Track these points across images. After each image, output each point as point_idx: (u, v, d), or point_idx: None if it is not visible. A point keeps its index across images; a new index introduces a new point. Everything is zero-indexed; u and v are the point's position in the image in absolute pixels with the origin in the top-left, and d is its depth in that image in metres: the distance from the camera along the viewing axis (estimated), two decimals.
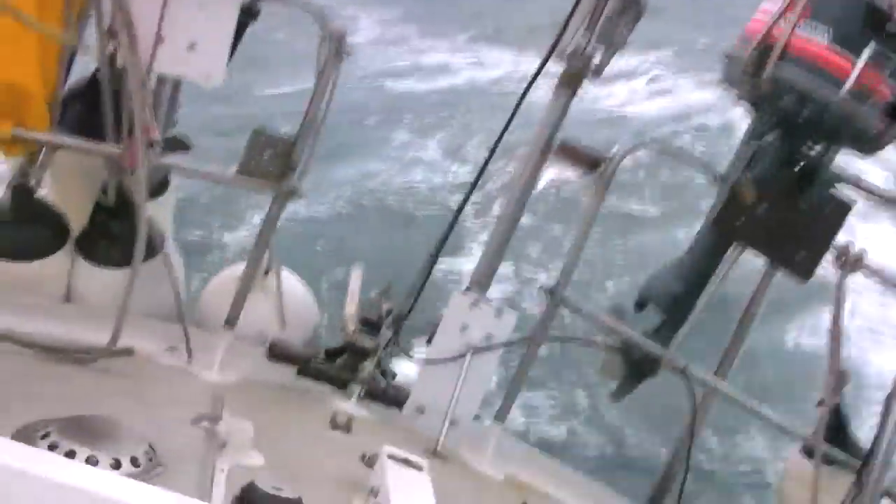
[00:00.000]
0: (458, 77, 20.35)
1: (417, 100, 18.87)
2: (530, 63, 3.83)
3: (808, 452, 3.92)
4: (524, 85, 3.85)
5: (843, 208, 3.68)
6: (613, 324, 3.97)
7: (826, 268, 3.68)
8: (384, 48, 20.36)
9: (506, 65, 19.75)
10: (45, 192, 4.00)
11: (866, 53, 3.26)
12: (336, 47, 3.61)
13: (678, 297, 3.88)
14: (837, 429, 3.85)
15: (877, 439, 3.62)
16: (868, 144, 3.48)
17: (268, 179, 3.78)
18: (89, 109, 3.67)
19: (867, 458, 3.60)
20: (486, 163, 3.95)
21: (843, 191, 3.76)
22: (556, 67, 3.76)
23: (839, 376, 3.79)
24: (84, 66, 3.73)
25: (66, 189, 4.03)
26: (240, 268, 4.12)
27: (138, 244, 3.42)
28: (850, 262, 3.71)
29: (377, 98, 17.67)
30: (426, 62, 21.10)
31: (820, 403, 3.82)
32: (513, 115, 3.82)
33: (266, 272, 4.08)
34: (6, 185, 3.83)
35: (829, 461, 3.79)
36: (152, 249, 3.79)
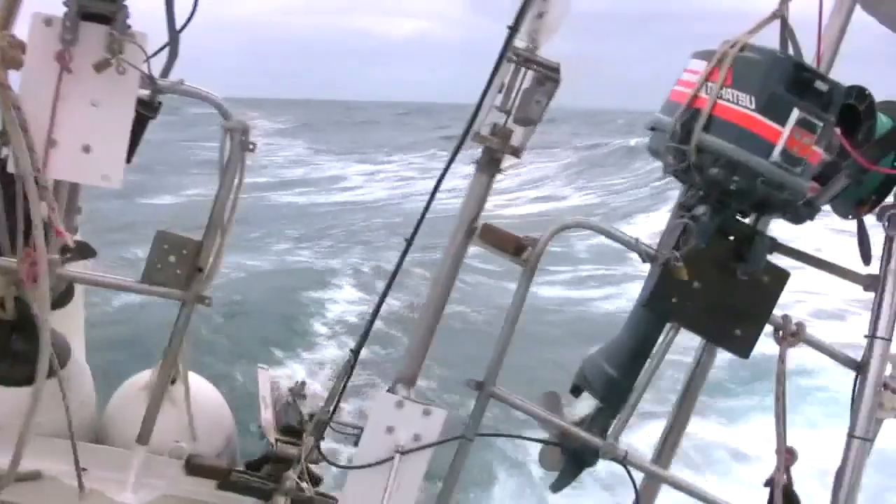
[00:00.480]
0: None
1: None
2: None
3: None
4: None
5: (782, 277, 3.60)
6: (548, 416, 3.81)
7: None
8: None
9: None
10: None
11: (794, 117, 3.17)
12: (240, 141, 3.46)
13: (614, 381, 3.74)
14: None
15: None
16: (801, 211, 3.38)
17: (174, 286, 3.60)
18: None
19: None
20: (404, 253, 3.79)
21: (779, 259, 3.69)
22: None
23: (786, 454, 3.70)
24: None
25: None
26: (144, 376, 3.95)
27: (41, 363, 3.25)
28: (789, 336, 3.62)
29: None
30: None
31: (768, 483, 3.72)
32: (429, 202, 3.68)
33: (173, 381, 3.88)
34: None
35: None
36: (59, 363, 3.60)
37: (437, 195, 3.64)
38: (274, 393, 4.62)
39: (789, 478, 3.75)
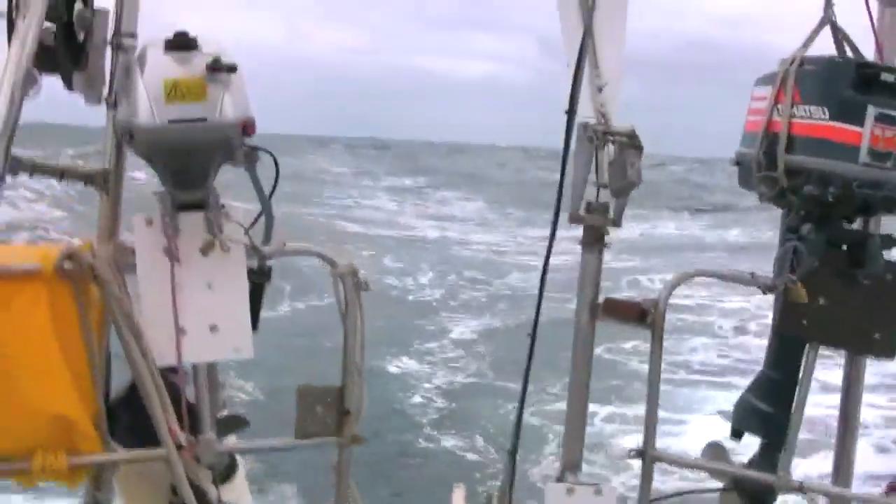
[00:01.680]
0: None
1: None
2: None
3: None
4: None
5: None
6: (717, 465, 3.82)
7: None
8: None
9: None
10: None
11: (870, 114, 3.19)
12: (353, 284, 3.59)
13: (770, 416, 3.74)
14: None
15: None
16: None
17: (328, 434, 3.71)
18: (137, 414, 3.65)
19: None
20: (533, 338, 3.87)
21: None
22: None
23: None
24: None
25: (138, 497, 3.98)
26: None
27: None
28: None
29: None
30: None
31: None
32: (542, 285, 3.77)
33: None
34: None
35: None
36: None
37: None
38: None
39: None
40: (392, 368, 18.55)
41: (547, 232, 3.79)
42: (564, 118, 3.63)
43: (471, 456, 13.95)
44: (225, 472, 3.99)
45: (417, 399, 17.29)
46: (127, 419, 3.72)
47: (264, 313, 3.61)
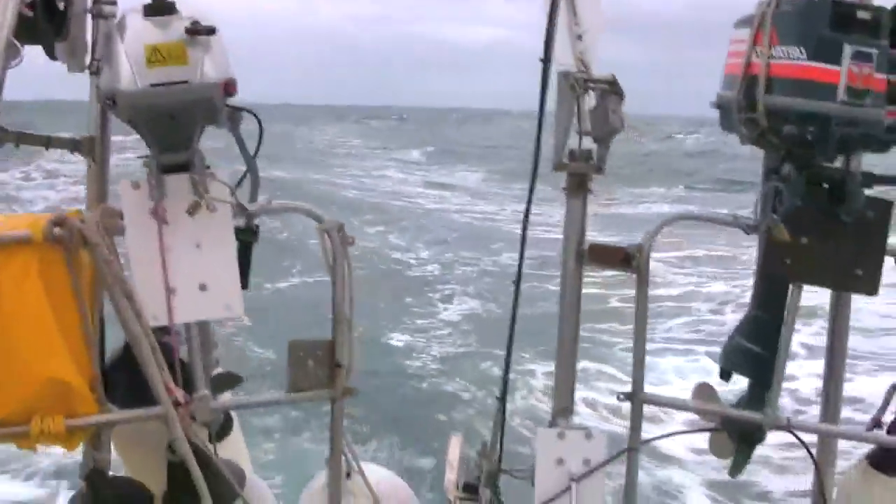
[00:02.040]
0: None
1: None
2: None
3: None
4: None
5: (886, 207, 3.60)
6: (706, 406, 3.88)
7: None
8: None
9: None
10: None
11: (847, 53, 3.21)
12: (340, 238, 3.62)
13: (758, 356, 3.79)
14: None
15: None
16: (884, 139, 3.39)
17: (320, 387, 3.76)
18: (132, 375, 3.70)
19: None
20: (518, 286, 3.92)
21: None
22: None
23: None
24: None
25: (137, 457, 4.05)
26: (321, 478, 4.10)
27: (204, 501, 3.57)
28: None
29: None
30: None
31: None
32: (524, 233, 3.82)
33: (348, 474, 4.02)
34: (79, 476, 3.87)
35: None
36: (233, 490, 3.79)
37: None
38: (464, 457, 4.76)
39: None
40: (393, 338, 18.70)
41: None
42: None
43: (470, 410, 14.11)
44: (221, 430, 4.05)
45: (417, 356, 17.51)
46: (122, 381, 3.77)
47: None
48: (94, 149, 3.79)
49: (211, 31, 3.16)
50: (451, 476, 4.46)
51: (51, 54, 3.61)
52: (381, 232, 31.69)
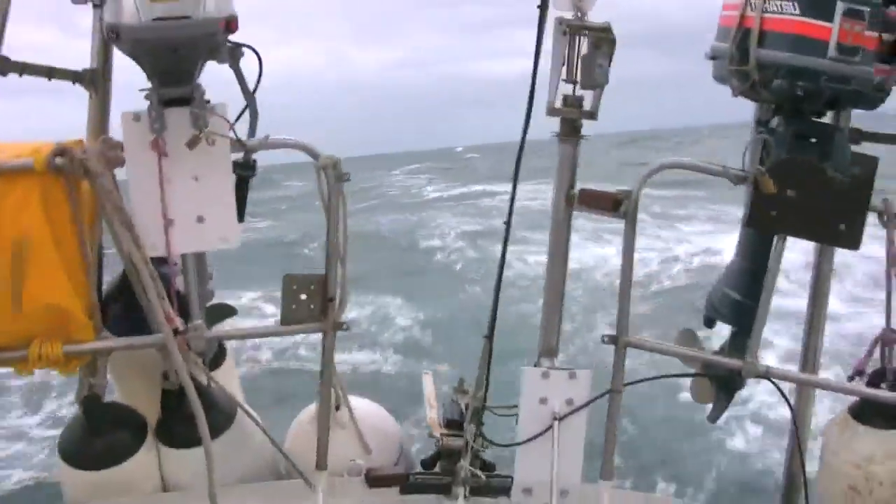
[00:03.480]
0: None
1: None
2: None
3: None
4: None
5: (871, 164, 3.64)
6: (688, 351, 3.95)
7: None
8: None
9: None
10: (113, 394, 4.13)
11: (839, 9, 3.24)
12: (335, 175, 3.67)
13: (741, 304, 3.87)
14: None
15: None
16: (872, 97, 3.42)
17: (312, 320, 3.84)
18: (128, 304, 3.77)
19: None
20: (508, 231, 3.98)
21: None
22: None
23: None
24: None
25: (131, 384, 4.14)
26: (311, 409, 4.18)
27: (200, 427, 3.56)
28: (894, 216, 3.68)
29: None
30: None
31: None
32: (516, 174, 3.87)
33: (337, 407, 4.11)
34: (75, 400, 3.96)
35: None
36: (228, 417, 3.88)
37: None
38: (438, 393, 4.85)
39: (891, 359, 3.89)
40: None
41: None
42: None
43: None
44: (214, 360, 4.13)
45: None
46: (117, 310, 3.85)
47: None
48: (95, 81, 3.84)
49: None
50: (432, 414, 4.54)
51: None
52: None
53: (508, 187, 3.89)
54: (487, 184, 51.79)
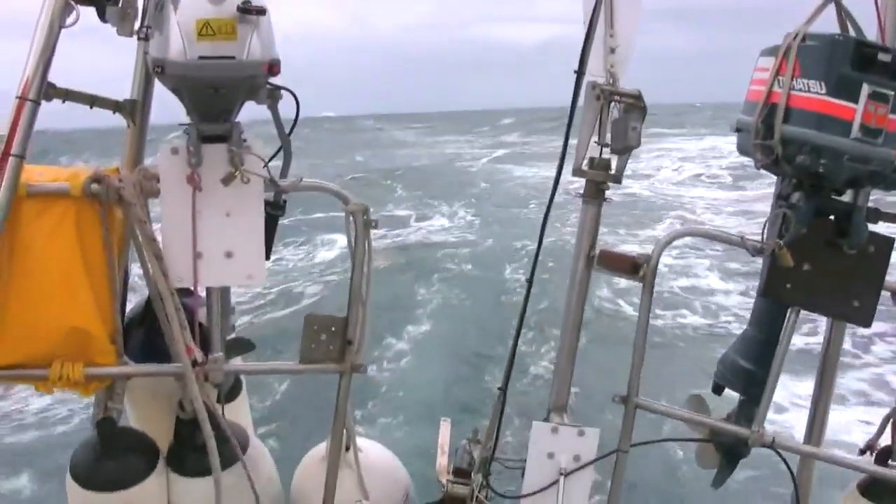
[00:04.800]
0: None
1: None
2: None
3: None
4: None
5: (887, 243, 3.71)
6: (696, 417, 4.00)
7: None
8: None
9: None
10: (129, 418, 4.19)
11: (864, 92, 3.30)
12: (363, 221, 3.75)
13: (751, 373, 3.91)
14: None
15: None
16: (892, 178, 3.47)
17: (331, 361, 3.90)
18: (150, 332, 3.85)
19: None
20: (530, 283, 4.05)
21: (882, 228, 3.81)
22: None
23: None
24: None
25: (146, 411, 4.20)
26: (321, 449, 4.23)
27: (212, 458, 3.72)
28: None
29: None
30: None
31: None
32: (542, 233, 3.95)
33: (347, 448, 4.16)
34: (91, 422, 4.02)
35: None
36: (239, 450, 3.93)
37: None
38: (452, 442, 4.90)
39: None
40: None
41: None
42: (576, 77, 3.78)
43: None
44: (230, 393, 4.20)
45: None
46: (139, 337, 3.93)
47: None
48: (135, 111, 3.93)
49: (261, 11, 3.28)
50: (442, 460, 4.60)
51: (102, 17, 3.73)
52: None
53: None
54: None
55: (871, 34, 3.78)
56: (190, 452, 3.94)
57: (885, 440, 3.98)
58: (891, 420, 3.94)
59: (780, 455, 3.90)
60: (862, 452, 3.99)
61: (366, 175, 44.06)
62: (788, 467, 4.04)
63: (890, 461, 3.90)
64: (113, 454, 3.90)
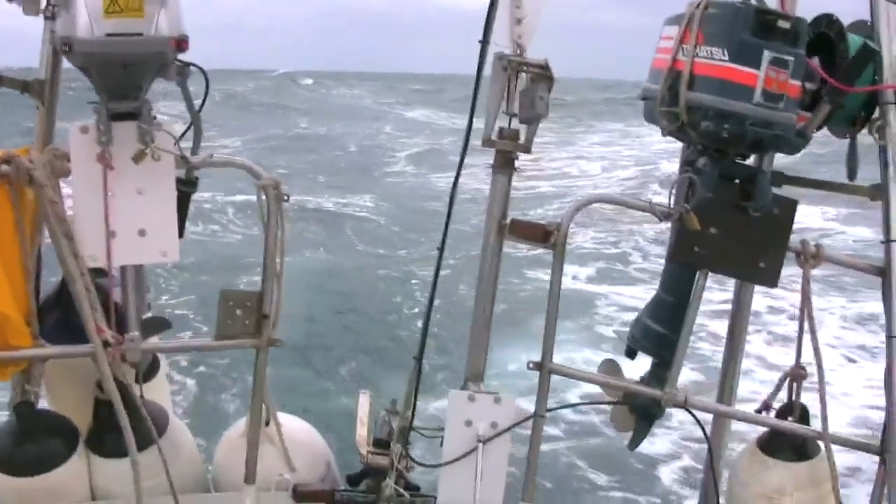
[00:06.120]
0: None
1: None
2: None
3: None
4: None
5: (791, 206, 3.80)
6: (609, 380, 4.07)
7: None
8: None
9: None
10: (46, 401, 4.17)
11: (765, 58, 3.36)
12: (275, 195, 3.77)
13: (662, 336, 3.98)
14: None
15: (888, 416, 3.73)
16: (794, 142, 3.55)
17: (247, 336, 3.92)
18: (66, 313, 3.83)
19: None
20: (441, 251, 4.09)
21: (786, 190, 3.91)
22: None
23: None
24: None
25: (65, 393, 4.18)
26: (241, 424, 4.25)
27: (127, 438, 3.69)
28: (810, 257, 3.83)
29: None
30: None
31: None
32: (451, 202, 4.00)
33: (267, 422, 4.18)
34: (8, 405, 3.99)
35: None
36: (159, 429, 3.92)
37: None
38: (372, 413, 4.94)
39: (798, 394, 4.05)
40: None
41: None
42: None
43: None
44: (147, 372, 4.19)
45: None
46: (55, 318, 3.90)
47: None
48: (43, 91, 3.90)
49: None
50: (361, 431, 4.63)
51: None
52: None
53: None
54: None
55: (772, 3, 3.84)
56: (110, 433, 3.92)
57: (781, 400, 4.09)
58: (787, 379, 4.04)
59: (692, 414, 3.98)
60: (758, 412, 4.08)
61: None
62: (701, 426, 4.13)
63: (789, 418, 4.00)
64: (32, 438, 3.89)
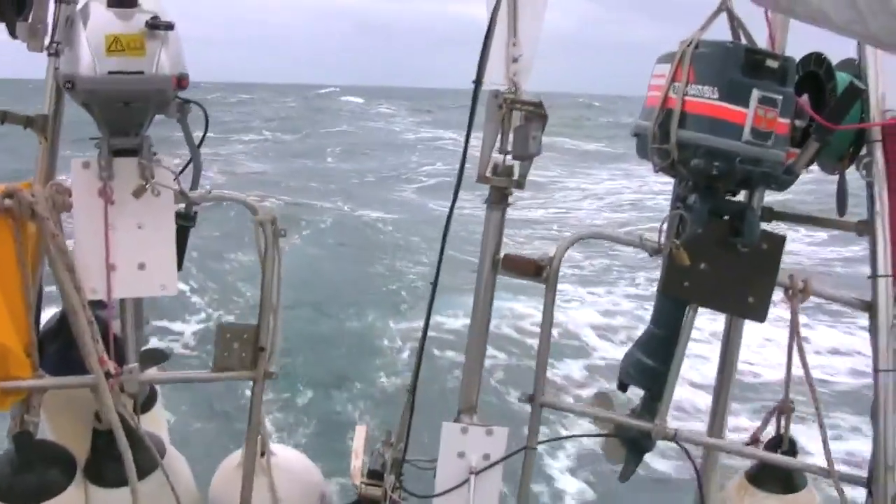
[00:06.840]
0: None
1: None
2: None
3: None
4: None
5: (779, 241, 3.85)
6: (601, 413, 4.12)
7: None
8: None
9: None
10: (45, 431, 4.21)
11: (754, 97, 3.42)
12: (272, 231, 3.83)
13: (653, 369, 4.03)
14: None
15: (875, 449, 3.78)
16: (782, 179, 3.61)
17: (243, 368, 3.98)
18: (65, 345, 3.88)
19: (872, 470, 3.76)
20: (435, 286, 4.15)
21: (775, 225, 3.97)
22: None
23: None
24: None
25: (63, 423, 4.21)
26: (238, 456, 4.29)
27: (128, 468, 3.77)
28: (798, 292, 3.88)
29: None
30: None
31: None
32: (445, 235, 4.05)
33: (262, 454, 4.23)
34: (7, 435, 4.03)
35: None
36: (157, 460, 3.96)
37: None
38: (368, 445, 4.97)
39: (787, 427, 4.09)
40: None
41: None
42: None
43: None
44: (145, 402, 4.24)
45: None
46: (55, 349, 3.95)
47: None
48: (46, 127, 3.96)
49: (169, 26, 3.35)
50: (356, 463, 4.67)
51: (12, 33, 3.78)
52: None
53: None
54: None
55: (762, 41, 3.91)
56: (107, 463, 3.97)
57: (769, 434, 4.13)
58: (776, 412, 4.09)
59: (681, 447, 4.02)
60: (748, 444, 4.13)
61: None
62: (691, 459, 4.18)
63: (778, 451, 4.05)
64: (30, 467, 3.92)
